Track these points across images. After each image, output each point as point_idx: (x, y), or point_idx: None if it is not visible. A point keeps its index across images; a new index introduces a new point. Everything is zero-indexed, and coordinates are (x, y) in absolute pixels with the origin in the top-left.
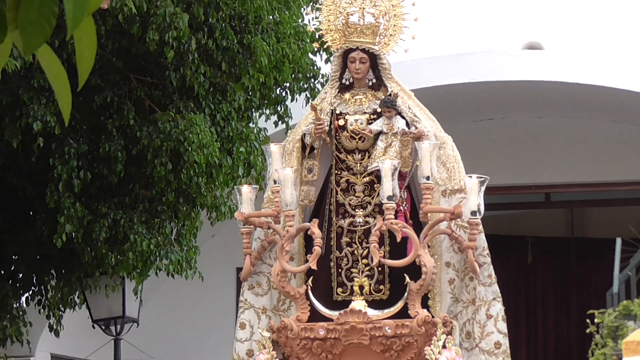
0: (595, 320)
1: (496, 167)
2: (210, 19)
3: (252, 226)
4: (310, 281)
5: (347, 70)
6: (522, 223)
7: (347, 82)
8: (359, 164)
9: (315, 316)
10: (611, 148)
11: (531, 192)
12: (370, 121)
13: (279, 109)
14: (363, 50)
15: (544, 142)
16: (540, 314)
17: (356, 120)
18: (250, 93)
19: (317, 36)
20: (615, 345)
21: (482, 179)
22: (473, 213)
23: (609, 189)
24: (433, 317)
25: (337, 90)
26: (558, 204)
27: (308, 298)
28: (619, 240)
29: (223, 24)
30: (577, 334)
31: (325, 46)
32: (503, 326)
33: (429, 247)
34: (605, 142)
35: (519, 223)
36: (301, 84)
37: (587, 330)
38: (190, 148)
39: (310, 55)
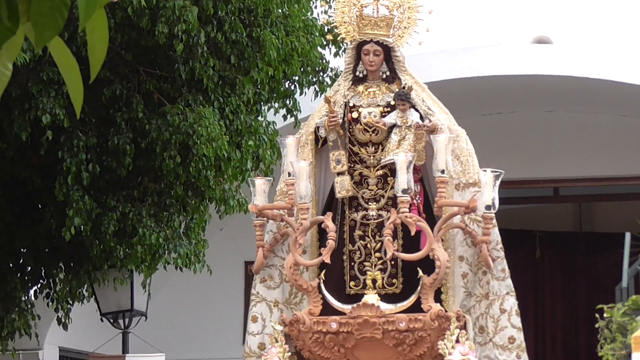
0: (604, 315)
1: (505, 161)
2: (219, 12)
3: (265, 218)
4: (322, 274)
5: (360, 62)
6: (531, 217)
7: (361, 75)
8: (372, 157)
9: (327, 310)
10: (620, 142)
11: (540, 187)
12: (384, 114)
13: (287, 102)
14: (377, 43)
15: (553, 136)
16: (549, 309)
17: (370, 113)
18: (259, 86)
19: (326, 29)
20: (624, 340)
21: (497, 173)
22: (488, 207)
23: (617, 183)
24: (446, 311)
25: (351, 82)
26: (566, 198)
27: (320, 291)
28: (627, 235)
29: (232, 17)
30: (585, 328)
31: (338, 38)
32: (517, 320)
33: (442, 241)
34: (614, 137)
35: (527, 217)
36: (310, 78)
37: (596, 325)
38: (199, 141)
39: (319, 49)
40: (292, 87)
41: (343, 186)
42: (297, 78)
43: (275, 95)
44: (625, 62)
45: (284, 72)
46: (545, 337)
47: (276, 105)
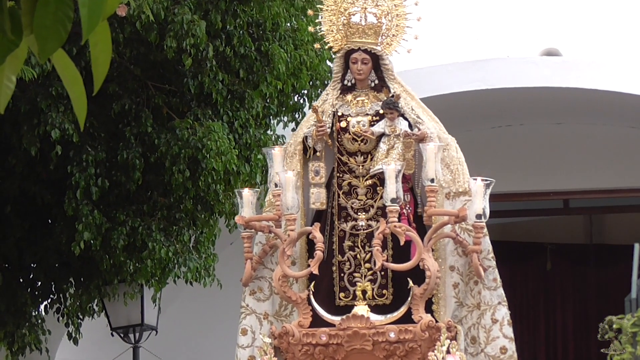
0: (614, 326)
1: (514, 173)
2: (227, 26)
3: (253, 230)
4: (312, 286)
5: (349, 71)
6: (541, 230)
7: (349, 84)
8: (361, 167)
9: (317, 322)
10: (630, 154)
11: (550, 199)
12: (372, 123)
13: (296, 116)
14: (365, 51)
15: (563, 148)
16: (560, 320)
17: (358, 122)
18: (268, 100)
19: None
20: (634, 350)
21: (488, 181)
22: (478, 216)
23: (627, 195)
24: (437, 321)
25: (339, 91)
26: (577, 211)
27: (310, 303)
28: (637, 246)
29: (241, 31)
30: (595, 339)
31: (327, 47)
32: (509, 330)
33: (432, 250)
34: (623, 149)
35: (537, 230)
36: (319, 91)
37: (606, 336)
38: (208, 155)
39: (328, 62)
40: (301, 101)
41: (318, 198)
42: (306, 92)
43: (284, 109)
44: (635, 73)
45: (292, 85)
46: (557, 348)
47: (285, 119)
